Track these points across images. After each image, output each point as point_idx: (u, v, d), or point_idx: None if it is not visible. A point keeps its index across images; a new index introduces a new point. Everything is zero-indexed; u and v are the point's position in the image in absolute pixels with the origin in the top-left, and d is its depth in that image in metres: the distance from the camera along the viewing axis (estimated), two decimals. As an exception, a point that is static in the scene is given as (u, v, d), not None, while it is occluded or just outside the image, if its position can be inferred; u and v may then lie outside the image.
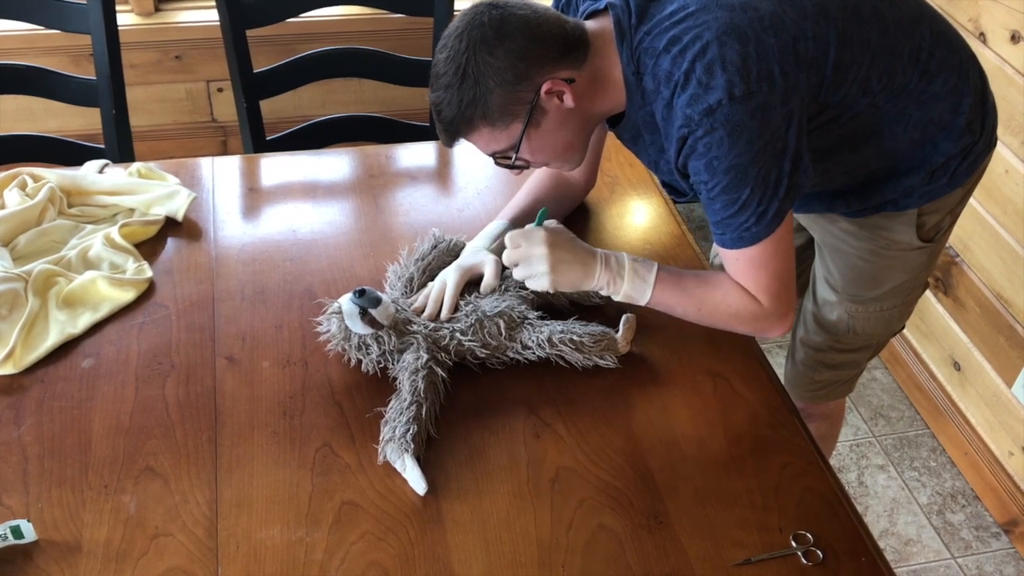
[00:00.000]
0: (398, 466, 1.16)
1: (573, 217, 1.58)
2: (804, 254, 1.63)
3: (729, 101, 1.10)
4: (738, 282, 1.25)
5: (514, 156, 1.23)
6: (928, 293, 2.31)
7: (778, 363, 2.29)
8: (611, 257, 1.27)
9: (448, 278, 1.34)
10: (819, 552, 1.11)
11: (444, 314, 1.32)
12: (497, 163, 1.27)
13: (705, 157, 1.14)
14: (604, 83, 1.22)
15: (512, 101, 1.17)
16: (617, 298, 1.28)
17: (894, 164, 1.34)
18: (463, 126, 1.20)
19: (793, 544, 1.12)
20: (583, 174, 1.53)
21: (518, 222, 1.43)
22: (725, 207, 1.17)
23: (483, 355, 1.29)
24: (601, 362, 1.30)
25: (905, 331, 2.42)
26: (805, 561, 1.10)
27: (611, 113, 1.27)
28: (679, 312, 1.29)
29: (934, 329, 2.36)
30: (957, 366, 2.29)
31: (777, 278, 1.23)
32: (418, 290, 1.38)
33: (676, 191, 1.33)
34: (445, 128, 1.21)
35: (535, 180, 1.51)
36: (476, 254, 1.38)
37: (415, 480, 1.14)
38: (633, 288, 1.27)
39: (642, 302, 1.28)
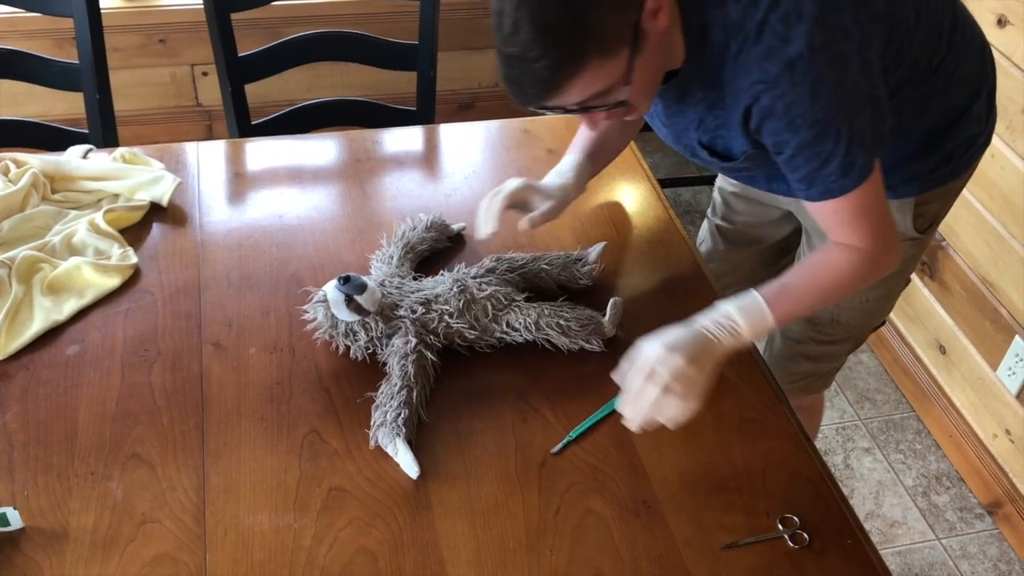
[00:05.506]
0: (390, 450, 1.16)
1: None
2: (790, 241, 1.63)
3: (810, 53, 1.04)
4: (839, 239, 1.19)
5: (623, 90, 1.08)
6: (914, 276, 2.32)
7: (761, 347, 2.30)
8: (714, 318, 1.16)
9: (509, 185, 1.30)
10: (805, 535, 1.11)
11: (488, 221, 1.28)
12: (588, 109, 1.11)
13: (786, 116, 1.09)
14: (674, 23, 1.11)
15: (622, 22, 1.03)
16: (749, 339, 1.17)
17: (907, 148, 1.32)
18: (570, 67, 1.03)
19: (780, 527, 1.12)
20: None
21: (592, 156, 1.39)
22: (809, 161, 1.12)
23: (471, 336, 1.29)
24: (587, 346, 1.30)
25: (891, 314, 2.43)
26: (792, 544, 1.11)
27: (671, 66, 1.17)
28: (808, 313, 1.20)
29: (920, 313, 2.38)
30: (943, 349, 2.31)
31: (878, 215, 1.17)
32: (400, 265, 1.37)
33: (715, 153, 1.24)
34: (539, 80, 1.04)
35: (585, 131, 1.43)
36: (545, 187, 1.34)
37: (407, 464, 1.14)
38: (753, 323, 1.16)
39: (773, 328, 1.18)
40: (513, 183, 1.31)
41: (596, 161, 1.42)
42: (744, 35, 1.07)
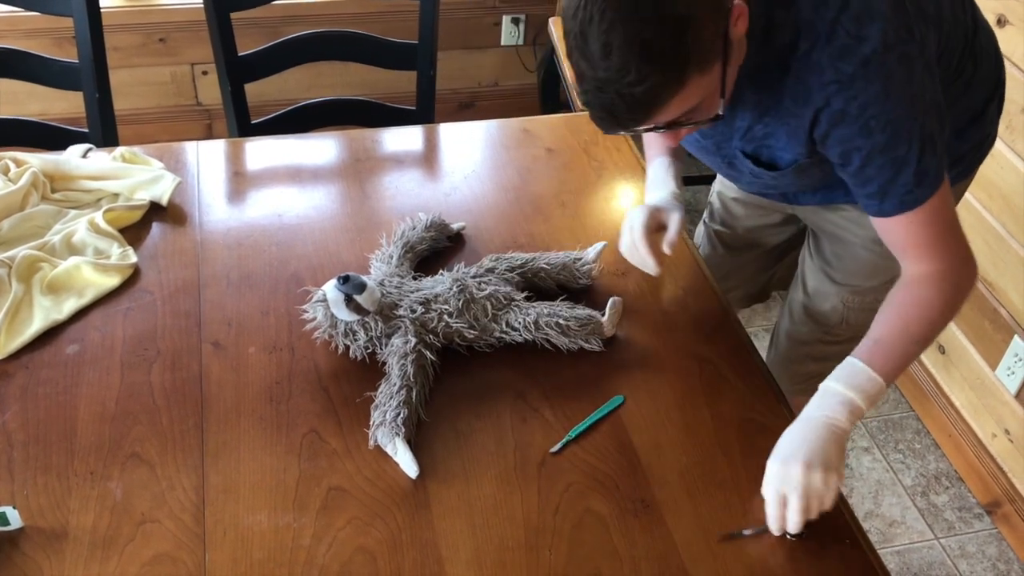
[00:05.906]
0: (389, 450, 1.16)
1: (560, 207, 1.58)
2: (791, 243, 1.63)
3: (884, 50, 1.03)
4: (913, 261, 1.16)
5: (719, 101, 1.05)
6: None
7: (761, 347, 2.30)
8: (829, 404, 1.13)
9: (635, 220, 1.31)
10: (804, 534, 1.11)
11: (647, 259, 1.31)
12: (679, 125, 1.07)
13: (860, 119, 1.07)
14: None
15: (715, 33, 0.99)
16: (868, 409, 1.15)
17: None
18: (672, 87, 0.98)
19: (778, 527, 1.12)
20: None
21: (674, 152, 1.39)
22: (882, 170, 1.09)
23: (471, 336, 1.29)
24: (587, 345, 1.30)
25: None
26: (791, 543, 1.10)
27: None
28: (911, 361, 1.19)
29: (919, 312, 2.38)
30: (942, 349, 2.31)
31: (953, 227, 1.15)
32: (399, 264, 1.37)
33: (760, 163, 1.22)
34: (637, 103, 0.98)
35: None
36: (662, 202, 1.34)
37: (407, 463, 1.14)
38: (865, 393, 1.13)
39: (885, 390, 1.15)
40: (639, 217, 1.31)
41: (679, 156, 1.43)
42: (815, 35, 1.06)
